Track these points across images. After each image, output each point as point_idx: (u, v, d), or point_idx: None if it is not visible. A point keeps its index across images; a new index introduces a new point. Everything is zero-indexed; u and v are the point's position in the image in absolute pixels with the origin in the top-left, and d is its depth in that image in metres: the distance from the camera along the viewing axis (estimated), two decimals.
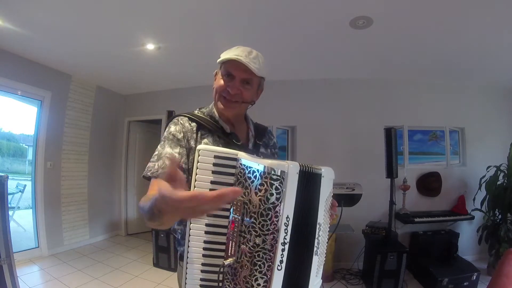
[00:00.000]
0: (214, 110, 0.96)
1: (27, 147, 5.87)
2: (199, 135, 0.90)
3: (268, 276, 0.67)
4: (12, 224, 3.08)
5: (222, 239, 0.73)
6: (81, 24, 2.37)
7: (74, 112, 3.78)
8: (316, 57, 3.02)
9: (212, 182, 0.72)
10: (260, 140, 1.03)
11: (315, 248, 0.79)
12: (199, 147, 0.74)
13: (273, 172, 0.66)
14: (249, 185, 0.69)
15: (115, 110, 4.49)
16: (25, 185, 4.49)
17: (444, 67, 3.08)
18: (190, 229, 0.74)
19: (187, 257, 0.75)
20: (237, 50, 0.87)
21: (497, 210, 2.99)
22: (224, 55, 0.88)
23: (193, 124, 0.92)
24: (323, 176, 0.79)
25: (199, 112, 0.98)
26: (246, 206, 0.69)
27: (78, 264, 3.13)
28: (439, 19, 2.13)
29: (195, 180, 0.73)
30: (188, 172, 0.86)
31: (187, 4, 2.06)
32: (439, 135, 3.59)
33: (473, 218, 3.14)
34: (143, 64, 3.23)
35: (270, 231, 0.66)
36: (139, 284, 2.74)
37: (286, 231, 0.67)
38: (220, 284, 0.71)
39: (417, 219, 2.97)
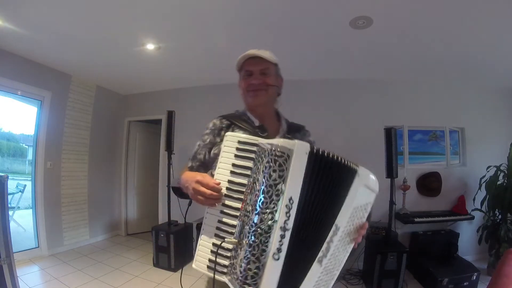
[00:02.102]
0: (246, 110, 1.05)
1: (27, 147, 5.86)
2: (230, 131, 0.97)
3: (262, 262, 0.62)
4: (12, 224, 3.08)
5: (234, 220, 0.72)
6: (81, 24, 2.37)
7: (74, 112, 3.78)
8: (316, 57, 3.02)
9: (234, 165, 0.74)
10: (290, 134, 1.02)
11: (319, 253, 0.69)
12: (226, 133, 0.79)
13: (278, 149, 0.64)
14: (260, 164, 0.68)
15: (115, 110, 4.49)
16: (25, 185, 4.49)
17: (444, 67, 3.08)
18: (207, 208, 0.76)
19: (201, 234, 0.75)
20: (245, 53, 0.97)
21: (497, 210, 2.99)
22: (239, 60, 0.98)
23: (226, 122, 1.00)
24: (358, 175, 0.73)
25: (236, 112, 1.07)
26: (254, 185, 0.68)
27: (78, 264, 3.13)
28: (439, 19, 2.13)
29: (220, 162, 0.77)
30: (204, 164, 1.01)
31: (187, 4, 2.06)
32: (439, 135, 3.59)
33: (473, 218, 3.14)
34: (143, 64, 3.23)
35: (269, 210, 0.63)
36: (139, 284, 2.74)
37: (288, 215, 0.62)
38: (215, 265, 0.69)
39: (417, 219, 2.97)
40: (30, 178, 3.44)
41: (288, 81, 4.04)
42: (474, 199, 3.11)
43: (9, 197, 2.72)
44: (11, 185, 4.52)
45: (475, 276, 2.54)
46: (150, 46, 2.77)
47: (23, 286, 2.41)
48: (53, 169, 3.49)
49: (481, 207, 3.11)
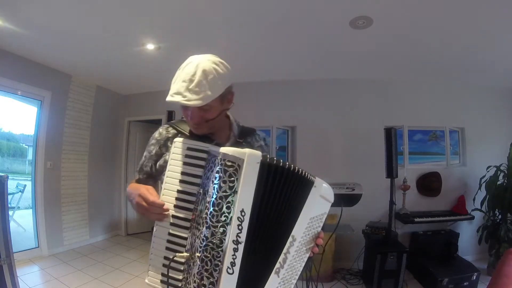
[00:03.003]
0: None
1: (27, 147, 5.86)
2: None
3: (216, 277, 0.60)
4: (12, 224, 3.08)
5: (185, 232, 0.69)
6: (81, 24, 2.37)
7: (74, 112, 3.78)
8: (316, 57, 3.01)
9: (183, 173, 0.72)
10: (242, 139, 0.96)
11: (277, 265, 0.68)
12: (175, 139, 0.76)
13: (228, 159, 0.61)
14: (210, 174, 0.65)
15: (115, 110, 4.49)
16: (25, 185, 4.49)
17: (444, 67, 3.08)
18: (156, 222, 0.73)
19: (152, 247, 0.72)
20: (178, 81, 0.78)
21: (497, 210, 2.99)
22: (170, 90, 0.80)
23: (172, 131, 0.94)
24: (314, 186, 0.72)
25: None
26: (204, 196, 0.66)
27: (78, 264, 3.13)
28: (439, 19, 2.13)
29: (168, 170, 0.73)
30: (152, 176, 0.97)
31: (188, 4, 2.06)
32: (439, 135, 3.59)
33: (473, 218, 3.14)
34: (143, 64, 3.23)
35: (220, 223, 0.60)
36: (139, 284, 2.74)
37: (240, 227, 0.60)
38: (168, 280, 0.66)
39: (417, 219, 2.97)
40: (30, 178, 3.44)
41: (288, 81, 4.05)
42: (474, 199, 3.11)
43: (9, 197, 2.72)
44: (11, 185, 4.51)
45: (475, 276, 2.54)
46: (150, 46, 2.77)
47: (23, 286, 2.41)
48: (53, 169, 3.49)
49: (481, 207, 3.11)
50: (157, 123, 4.36)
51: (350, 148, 3.45)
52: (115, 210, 4.46)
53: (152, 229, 0.75)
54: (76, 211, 3.79)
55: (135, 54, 2.94)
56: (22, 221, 4.20)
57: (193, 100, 0.74)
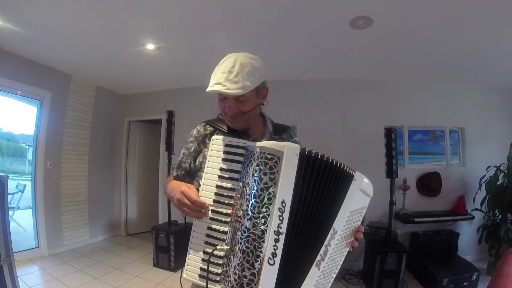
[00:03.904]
0: None
1: (27, 147, 5.87)
2: None
3: (257, 268, 0.60)
4: (12, 224, 3.08)
5: (225, 226, 0.70)
6: (81, 24, 2.37)
7: (74, 112, 3.78)
8: (316, 57, 3.01)
9: (221, 169, 0.73)
10: (276, 135, 0.99)
11: (317, 257, 0.69)
12: (212, 137, 0.77)
13: (267, 152, 0.63)
14: (250, 168, 0.66)
15: (115, 110, 4.49)
16: (25, 185, 4.49)
17: (444, 67, 3.08)
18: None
19: (191, 242, 0.73)
20: (217, 73, 0.81)
21: (497, 210, 3.00)
22: (210, 81, 0.83)
23: (210, 128, 0.96)
24: (354, 180, 0.73)
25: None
26: (244, 189, 0.67)
27: (78, 264, 3.13)
28: (439, 19, 2.13)
29: (207, 167, 0.74)
30: (189, 173, 0.99)
31: (187, 4, 2.06)
32: (439, 135, 3.59)
33: (473, 218, 3.14)
34: (143, 64, 3.23)
35: (262, 214, 0.61)
36: (139, 284, 2.74)
37: (281, 218, 0.61)
38: (207, 273, 0.67)
39: (417, 219, 2.97)
40: (30, 178, 3.44)
41: (288, 81, 4.04)
42: (474, 199, 3.11)
43: (9, 197, 2.72)
44: (11, 185, 4.52)
45: (475, 276, 2.54)
46: (150, 46, 2.77)
47: (23, 286, 2.41)
48: (53, 169, 3.49)
49: (481, 207, 3.11)
50: (157, 123, 4.37)
51: (350, 148, 3.45)
52: (115, 210, 4.46)
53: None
54: (76, 211, 3.79)
55: (135, 54, 2.94)
56: (22, 221, 4.21)
57: (232, 89, 0.78)
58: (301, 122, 3.63)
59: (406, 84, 3.53)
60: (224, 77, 0.79)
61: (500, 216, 2.99)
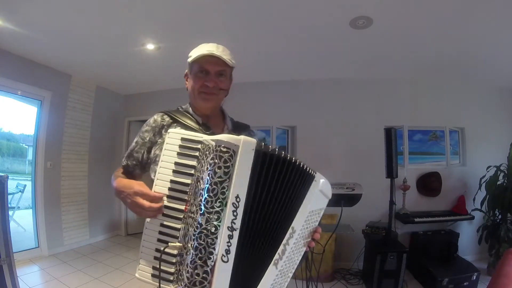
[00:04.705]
0: (190, 107, 0.99)
1: (27, 147, 5.86)
2: (172, 128, 0.92)
3: (210, 265, 0.58)
4: (12, 224, 3.08)
5: (179, 223, 0.67)
6: (81, 24, 2.37)
7: (74, 112, 3.78)
8: (316, 57, 3.01)
9: (176, 164, 0.70)
10: (236, 132, 0.95)
11: (276, 256, 0.68)
12: (169, 130, 0.75)
13: (223, 145, 0.61)
14: (205, 162, 0.65)
15: (115, 110, 4.49)
16: (25, 185, 4.49)
17: (444, 67, 3.08)
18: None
19: (143, 240, 0.70)
20: (205, 46, 0.90)
21: (497, 210, 2.99)
22: (196, 53, 0.89)
23: (167, 119, 0.94)
24: (315, 180, 0.73)
25: (180, 108, 1.00)
26: (198, 184, 0.65)
27: (78, 264, 3.13)
28: (439, 19, 2.13)
29: (162, 161, 0.72)
30: (141, 164, 0.97)
31: (188, 4, 2.06)
32: (439, 135, 3.59)
33: (473, 218, 3.14)
34: (143, 64, 3.23)
35: (215, 209, 0.59)
36: (139, 284, 2.72)
37: (235, 213, 0.59)
38: (160, 273, 0.64)
39: (417, 219, 2.97)
40: (30, 178, 3.44)
41: (289, 81, 4.05)
42: (474, 199, 3.11)
43: (9, 197, 2.72)
44: (11, 185, 4.51)
45: (475, 276, 2.54)
46: (150, 46, 2.77)
47: (23, 286, 2.41)
48: (53, 169, 3.49)
49: (481, 207, 3.11)
50: None
51: (350, 148, 3.45)
52: (115, 210, 4.46)
53: None
54: (76, 211, 3.79)
55: (135, 54, 2.94)
56: (22, 221, 4.21)
57: (224, 56, 0.87)
58: (301, 122, 3.63)
59: (406, 84, 3.53)
60: (214, 47, 0.88)
61: (500, 216, 2.99)
